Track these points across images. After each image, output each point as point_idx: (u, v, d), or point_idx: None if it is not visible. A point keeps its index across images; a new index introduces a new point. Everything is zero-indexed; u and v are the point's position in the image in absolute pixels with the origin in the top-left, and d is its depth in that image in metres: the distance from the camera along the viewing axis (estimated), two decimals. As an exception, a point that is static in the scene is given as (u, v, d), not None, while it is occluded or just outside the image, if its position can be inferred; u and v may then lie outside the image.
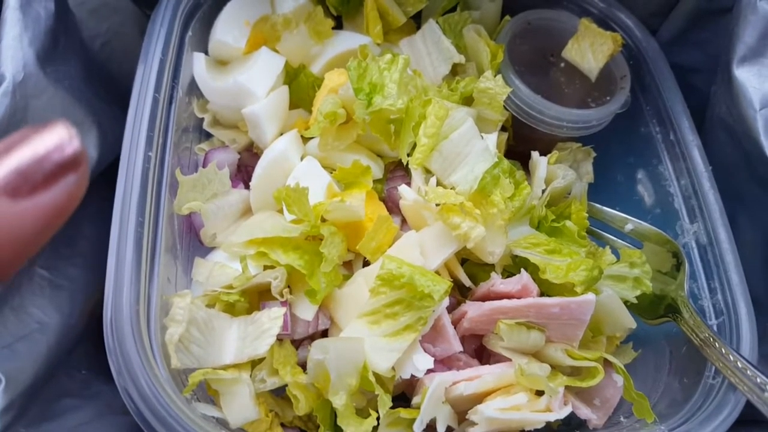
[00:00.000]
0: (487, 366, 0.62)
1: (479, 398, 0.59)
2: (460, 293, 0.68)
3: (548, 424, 0.61)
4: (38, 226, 0.25)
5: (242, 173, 0.73)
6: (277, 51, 0.72)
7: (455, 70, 0.77)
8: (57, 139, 0.25)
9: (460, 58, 0.74)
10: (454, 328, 0.62)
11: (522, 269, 0.64)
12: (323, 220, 0.63)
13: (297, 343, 0.63)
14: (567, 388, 0.62)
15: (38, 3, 0.61)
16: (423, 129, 0.64)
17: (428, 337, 0.61)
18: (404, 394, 0.65)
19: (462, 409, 0.60)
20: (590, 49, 0.76)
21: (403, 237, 0.64)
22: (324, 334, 0.64)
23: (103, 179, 0.68)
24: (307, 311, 0.61)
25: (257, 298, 0.63)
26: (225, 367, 0.58)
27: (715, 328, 0.66)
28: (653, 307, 0.70)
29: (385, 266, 0.58)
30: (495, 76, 0.70)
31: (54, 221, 0.26)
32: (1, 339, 0.55)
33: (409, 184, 0.68)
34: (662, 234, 0.73)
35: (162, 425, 0.50)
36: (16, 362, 0.55)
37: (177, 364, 0.54)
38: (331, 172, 0.67)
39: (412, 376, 0.59)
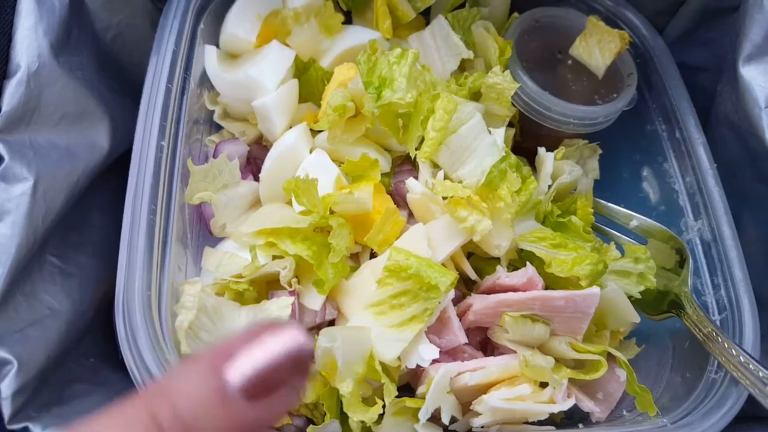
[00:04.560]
0: (491, 357, 0.62)
1: (484, 389, 0.60)
2: (465, 286, 0.69)
3: (551, 416, 0.61)
4: (265, 428, 0.25)
5: (252, 165, 0.74)
6: (287, 45, 0.73)
7: (463, 66, 0.77)
8: (293, 343, 0.25)
9: (468, 54, 0.75)
10: (460, 320, 0.63)
11: (527, 263, 0.64)
12: (331, 212, 0.64)
13: (304, 333, 0.64)
14: (570, 380, 0.62)
15: (52, -6, 0.62)
16: (431, 123, 0.64)
17: (434, 329, 0.62)
18: (409, 385, 0.66)
19: (466, 399, 0.61)
20: (597, 47, 0.77)
21: (411, 229, 0.64)
22: (331, 324, 0.65)
23: (114, 170, 0.69)
24: (314, 301, 0.62)
25: (266, 287, 0.64)
26: (234, 355, 0.58)
27: (718, 323, 0.67)
28: (657, 303, 0.71)
29: (392, 257, 0.59)
30: (503, 72, 0.71)
31: (277, 421, 0.26)
32: (13, 324, 0.56)
33: (416, 178, 0.68)
34: (667, 230, 0.73)
35: (172, 409, 0.51)
36: (28, 347, 0.56)
37: (187, 350, 0.55)
38: (340, 165, 0.68)
39: (418, 366, 0.60)
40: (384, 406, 0.58)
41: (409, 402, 0.58)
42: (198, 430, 0.23)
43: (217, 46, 0.74)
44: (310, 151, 0.70)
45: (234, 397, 0.24)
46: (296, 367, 0.25)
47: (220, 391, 0.24)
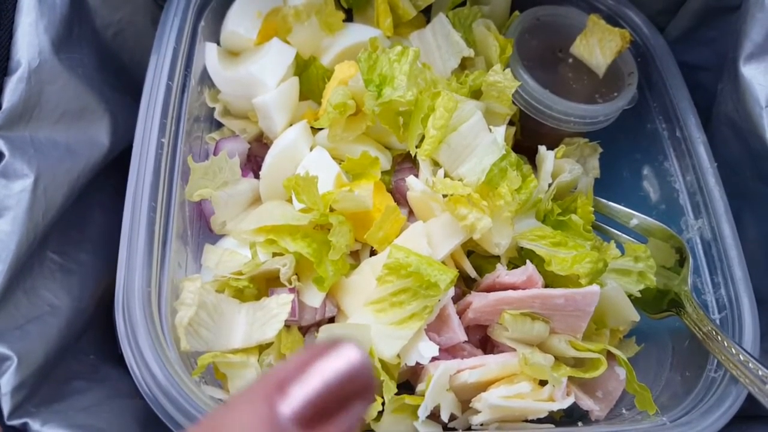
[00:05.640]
0: (491, 355, 0.62)
1: (483, 386, 0.60)
2: (465, 284, 0.69)
3: (551, 414, 0.61)
4: None
5: (252, 163, 0.74)
6: (288, 42, 0.73)
7: (464, 64, 0.77)
8: (348, 364, 0.23)
9: (469, 52, 0.75)
10: (459, 318, 0.63)
11: (527, 261, 0.64)
12: (332, 210, 0.64)
13: (304, 330, 0.64)
14: (570, 379, 0.62)
15: (53, -9, 0.62)
16: (432, 121, 0.64)
17: (433, 327, 0.62)
18: (409, 383, 0.66)
19: (466, 397, 0.61)
20: (598, 46, 0.77)
21: (411, 227, 0.64)
22: (331, 321, 0.65)
23: (114, 167, 0.69)
24: (314, 298, 0.62)
25: (266, 284, 0.64)
26: (233, 351, 0.59)
27: (717, 322, 0.67)
28: (656, 302, 0.71)
29: (392, 255, 0.59)
30: (504, 70, 0.70)
31: None
32: (13, 320, 0.56)
33: (416, 176, 0.68)
34: (667, 229, 0.73)
35: (172, 405, 0.51)
36: (28, 343, 0.56)
37: (186, 346, 0.55)
38: (340, 163, 0.68)
39: (417, 363, 0.60)
40: (383, 404, 0.58)
41: (408, 399, 0.58)
42: None
43: (218, 43, 0.74)
44: (311, 149, 0.70)
45: (287, 428, 0.22)
46: (354, 389, 0.23)
47: (273, 423, 0.22)
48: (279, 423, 0.22)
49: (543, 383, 0.60)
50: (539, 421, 0.61)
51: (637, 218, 0.75)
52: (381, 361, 0.58)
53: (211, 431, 0.23)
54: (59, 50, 0.62)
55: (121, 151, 0.70)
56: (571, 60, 0.79)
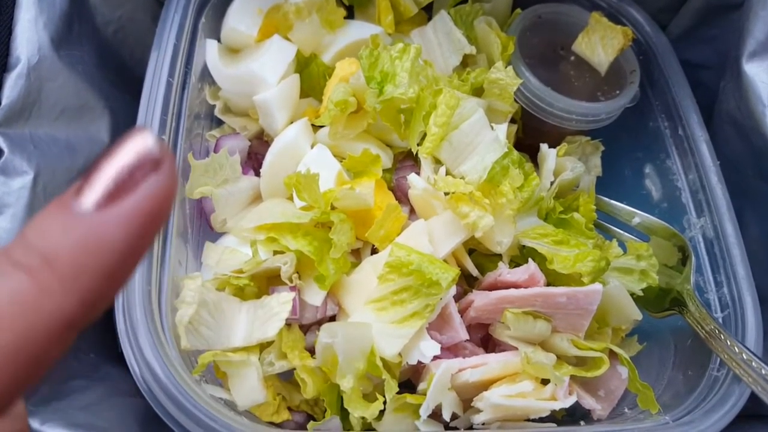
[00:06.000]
0: (493, 354, 0.62)
1: (485, 386, 0.60)
2: (467, 283, 0.69)
3: (553, 413, 0.61)
4: (126, 239, 0.23)
5: (252, 160, 0.74)
6: (289, 39, 0.72)
7: (466, 62, 0.77)
8: (135, 154, 0.24)
9: (471, 50, 0.75)
10: (461, 317, 0.63)
11: (529, 259, 0.64)
12: (333, 208, 0.63)
13: (305, 329, 0.63)
14: (572, 378, 0.62)
15: (53, -13, 0.62)
16: (433, 118, 0.64)
17: (435, 325, 0.62)
18: (410, 382, 0.66)
19: (467, 396, 0.61)
20: (600, 43, 0.77)
21: (412, 225, 0.64)
22: (332, 319, 0.64)
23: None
24: (315, 297, 0.62)
25: (266, 282, 0.63)
26: (234, 350, 0.58)
27: (720, 321, 0.67)
28: (659, 301, 0.71)
29: (393, 253, 0.59)
30: (505, 67, 0.70)
31: (143, 231, 0.24)
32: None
33: (418, 174, 0.68)
34: (669, 228, 0.73)
35: (173, 404, 0.51)
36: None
37: (187, 345, 0.55)
38: (341, 161, 0.68)
39: (419, 362, 0.59)
40: (385, 402, 0.57)
41: (410, 398, 0.58)
42: (54, 251, 0.23)
43: (219, 40, 0.74)
44: (312, 147, 0.69)
45: (83, 210, 0.23)
46: (141, 167, 0.24)
47: (68, 210, 0.23)
48: (73, 208, 0.23)
49: (545, 382, 0.60)
50: (541, 420, 0.61)
51: (639, 216, 0.75)
52: (382, 359, 0.58)
53: (14, 240, 0.24)
54: (59, 47, 0.61)
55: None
56: (572, 58, 0.78)
